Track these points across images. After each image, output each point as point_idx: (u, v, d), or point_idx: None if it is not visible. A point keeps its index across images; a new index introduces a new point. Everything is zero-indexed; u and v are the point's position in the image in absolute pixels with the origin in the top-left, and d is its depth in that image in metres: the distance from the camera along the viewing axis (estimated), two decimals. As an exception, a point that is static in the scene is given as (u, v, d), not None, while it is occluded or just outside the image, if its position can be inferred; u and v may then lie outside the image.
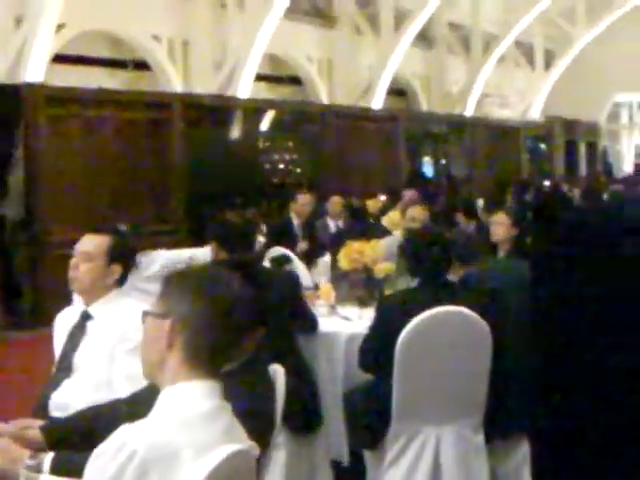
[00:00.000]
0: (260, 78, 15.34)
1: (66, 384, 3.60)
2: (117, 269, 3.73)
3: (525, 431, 4.48)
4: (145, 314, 2.38)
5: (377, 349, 4.46)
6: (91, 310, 3.71)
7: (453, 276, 4.85)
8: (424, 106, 20.41)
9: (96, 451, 2.18)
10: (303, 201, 9.86)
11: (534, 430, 2.18)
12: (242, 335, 2.38)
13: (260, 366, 2.98)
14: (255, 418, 2.51)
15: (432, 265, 4.58)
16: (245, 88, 14.43)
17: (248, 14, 14.34)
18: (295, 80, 17.33)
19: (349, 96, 17.45)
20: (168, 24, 13.61)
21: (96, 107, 11.80)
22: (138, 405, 2.82)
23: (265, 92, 16.36)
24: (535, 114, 23.76)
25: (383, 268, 5.57)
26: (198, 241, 7.00)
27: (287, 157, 16.15)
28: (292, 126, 16.20)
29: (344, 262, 5.57)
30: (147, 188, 12.46)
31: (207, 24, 14.08)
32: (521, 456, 4.58)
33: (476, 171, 20.93)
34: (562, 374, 1.87)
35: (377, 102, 17.78)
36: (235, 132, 14.23)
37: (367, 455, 4.62)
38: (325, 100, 17.09)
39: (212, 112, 13.74)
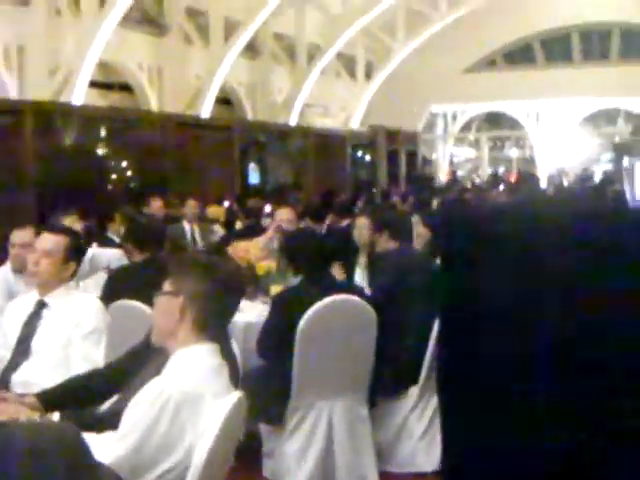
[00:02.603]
0: (91, 85, 15.44)
1: (25, 365, 4.03)
2: (72, 265, 4.21)
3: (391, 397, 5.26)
4: (159, 293, 2.94)
5: (274, 339, 5.00)
6: (47, 299, 4.16)
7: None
8: (249, 115, 20.71)
9: (134, 400, 2.71)
10: (157, 206, 10.21)
11: (440, 376, 2.36)
12: (236, 305, 3.00)
13: (227, 344, 3.49)
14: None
15: (310, 263, 5.17)
16: (79, 95, 14.50)
17: (83, 21, 14.47)
18: (125, 87, 17.50)
19: (178, 104, 17.64)
20: (3, 30, 13.57)
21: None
22: (121, 371, 3.35)
23: (97, 99, 16.45)
24: (355, 124, 24.54)
25: (264, 266, 6.14)
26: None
27: (125, 164, 16.27)
28: (129, 133, 16.33)
29: (231, 259, 6.11)
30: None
31: (42, 30, 14.09)
32: (400, 421, 5.29)
33: (303, 179, 21.39)
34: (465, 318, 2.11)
35: (205, 110, 18.07)
36: (77, 139, 14.29)
37: (263, 429, 5.17)
38: (154, 107, 17.28)
39: (55, 119, 13.80)
